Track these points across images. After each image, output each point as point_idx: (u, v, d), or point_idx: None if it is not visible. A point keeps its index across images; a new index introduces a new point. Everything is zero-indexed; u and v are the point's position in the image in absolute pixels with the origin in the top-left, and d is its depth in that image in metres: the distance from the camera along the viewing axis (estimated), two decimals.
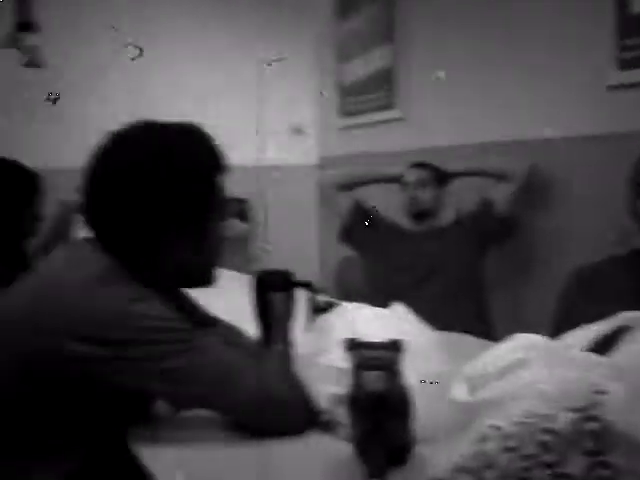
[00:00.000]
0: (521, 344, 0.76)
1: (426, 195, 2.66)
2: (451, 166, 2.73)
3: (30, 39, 4.02)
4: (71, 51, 4.71)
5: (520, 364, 0.72)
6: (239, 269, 5.05)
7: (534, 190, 2.57)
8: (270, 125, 5.64)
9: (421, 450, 0.95)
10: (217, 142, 1.18)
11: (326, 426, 1.06)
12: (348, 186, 2.79)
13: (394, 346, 0.92)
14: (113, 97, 4.92)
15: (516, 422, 0.66)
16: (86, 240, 1.14)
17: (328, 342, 1.10)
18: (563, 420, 0.62)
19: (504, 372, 0.73)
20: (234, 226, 5.32)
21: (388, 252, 2.65)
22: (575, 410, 0.63)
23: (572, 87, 2.44)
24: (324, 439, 1.04)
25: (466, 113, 2.94)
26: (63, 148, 3.79)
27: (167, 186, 1.09)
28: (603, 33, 2.25)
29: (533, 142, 2.59)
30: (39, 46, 4.08)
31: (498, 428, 0.67)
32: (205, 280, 1.24)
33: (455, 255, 2.58)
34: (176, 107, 5.29)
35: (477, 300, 2.58)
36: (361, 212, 2.76)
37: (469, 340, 1.70)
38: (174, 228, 1.11)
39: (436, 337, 1.21)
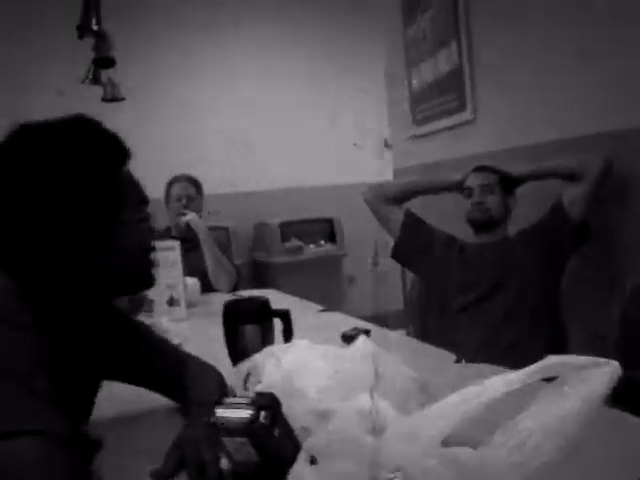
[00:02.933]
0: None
1: (492, 201, 2.36)
2: (518, 169, 2.42)
3: (108, 74, 4.13)
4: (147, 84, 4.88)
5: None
6: (330, 290, 4.94)
7: (609, 189, 2.21)
8: (351, 140, 5.51)
9: None
10: (111, 132, 1.03)
11: None
12: (398, 198, 2.54)
13: (263, 403, 0.71)
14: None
15: None
16: None
17: (251, 387, 0.91)
18: None
19: None
20: (322, 246, 5.20)
21: (445, 268, 2.38)
22: None
23: None
24: None
25: (538, 111, 2.61)
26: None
27: (49, 191, 0.94)
28: None
29: (608, 135, 2.24)
30: (117, 81, 4.19)
31: None
32: (135, 283, 1.10)
33: (523, 268, 2.26)
34: (248, 131, 5.34)
35: (550, 319, 2.24)
36: (413, 225, 2.51)
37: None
38: (69, 236, 0.95)
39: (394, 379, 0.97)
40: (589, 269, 2.40)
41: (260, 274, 5.04)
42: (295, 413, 0.88)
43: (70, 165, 0.95)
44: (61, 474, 0.72)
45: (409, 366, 1.10)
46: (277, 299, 2.54)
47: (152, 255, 1.10)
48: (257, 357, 0.98)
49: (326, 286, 4.78)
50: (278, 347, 1.02)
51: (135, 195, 1.06)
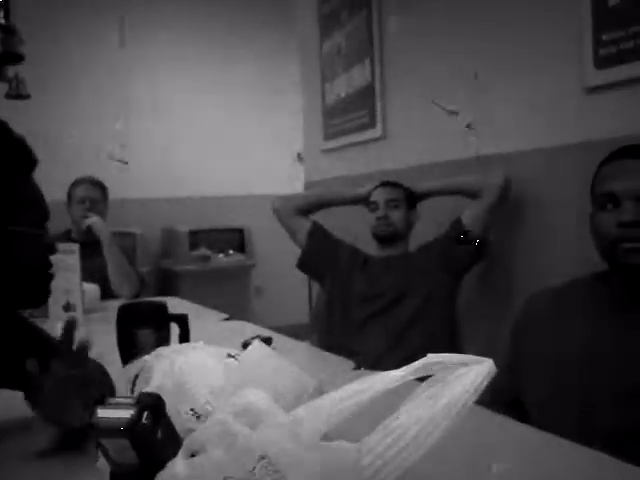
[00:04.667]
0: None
1: (396, 216, 2.41)
2: (421, 185, 2.49)
3: (14, 70, 3.97)
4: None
5: None
6: (237, 300, 4.89)
7: (507, 207, 2.31)
8: (267, 153, 5.53)
9: None
10: (16, 135, 0.98)
11: None
12: (305, 209, 2.56)
13: (147, 403, 0.69)
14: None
15: None
16: None
17: (138, 389, 0.89)
18: None
19: None
20: (232, 256, 5.16)
21: (349, 280, 2.40)
22: None
23: (545, 92, 2.20)
24: None
25: (444, 129, 2.70)
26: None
27: None
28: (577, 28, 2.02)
29: (507, 155, 2.35)
30: (23, 77, 4.03)
31: None
32: (25, 300, 1.06)
33: (423, 282, 2.32)
34: (164, 136, 5.27)
35: (448, 330, 2.31)
36: (320, 236, 2.53)
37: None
38: None
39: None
40: (486, 284, 2.50)
41: (167, 282, 4.94)
42: (183, 415, 0.86)
43: None
44: None
45: (306, 371, 1.10)
46: (180, 307, 2.49)
47: (49, 272, 1.05)
48: (147, 358, 0.95)
49: (234, 296, 4.74)
50: (170, 347, 1.00)
51: (35, 208, 1.01)
